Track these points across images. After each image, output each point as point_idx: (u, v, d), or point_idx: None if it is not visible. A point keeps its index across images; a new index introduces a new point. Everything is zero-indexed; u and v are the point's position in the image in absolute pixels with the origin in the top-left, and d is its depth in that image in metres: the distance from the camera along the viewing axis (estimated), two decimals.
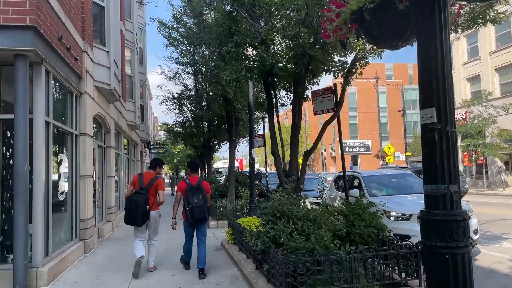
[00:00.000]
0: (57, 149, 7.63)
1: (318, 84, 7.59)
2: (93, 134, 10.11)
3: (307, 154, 7.99)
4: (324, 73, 7.26)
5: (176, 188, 7.64)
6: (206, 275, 6.45)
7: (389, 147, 38.96)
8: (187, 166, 7.63)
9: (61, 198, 7.60)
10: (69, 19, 7.59)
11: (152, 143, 32.48)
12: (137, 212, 6.45)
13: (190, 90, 24.76)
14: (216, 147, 27.50)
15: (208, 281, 6.26)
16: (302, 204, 6.12)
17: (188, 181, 6.67)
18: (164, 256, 7.99)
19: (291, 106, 7.97)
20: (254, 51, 7.68)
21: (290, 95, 8.43)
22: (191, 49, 23.21)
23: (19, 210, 5.54)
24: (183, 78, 24.99)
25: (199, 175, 7.04)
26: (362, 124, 59.25)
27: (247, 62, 7.87)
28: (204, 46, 14.32)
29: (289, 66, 7.45)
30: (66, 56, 7.28)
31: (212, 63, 13.05)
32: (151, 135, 58.32)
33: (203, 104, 24.28)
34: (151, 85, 47.92)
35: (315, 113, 8.29)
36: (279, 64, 7.47)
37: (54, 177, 7.32)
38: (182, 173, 56.06)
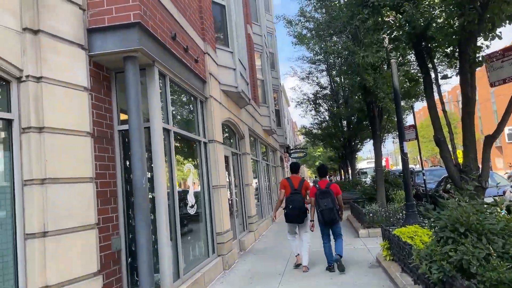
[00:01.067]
0: (183, 158, 7.11)
1: (500, 38, 5.39)
2: (224, 141, 9.59)
3: (490, 140, 5.80)
4: (510, 20, 5.07)
5: None
6: (344, 266, 6.92)
7: None
8: (317, 171, 8.25)
9: (191, 211, 7.02)
10: (185, 18, 7.04)
11: (292, 148, 32.06)
12: (298, 210, 7.17)
13: (325, 88, 23.42)
14: (358, 146, 25.46)
15: None
16: (496, 212, 4.18)
17: (317, 185, 7.23)
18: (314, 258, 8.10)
19: (457, 77, 5.94)
20: (397, 15, 5.96)
21: (455, 63, 6.37)
22: (322, 45, 21.96)
23: (140, 227, 4.95)
24: (316, 78, 23.86)
25: (328, 179, 7.72)
26: None
27: (389, 31, 6.15)
28: (335, 35, 12.84)
29: (451, 21, 5.48)
30: (184, 58, 6.70)
31: (346, 52, 11.54)
32: (291, 141, 58.69)
33: (340, 102, 22.65)
34: (286, 89, 48.03)
35: (491, 85, 6.35)
36: (437, 21, 5.55)
37: (182, 188, 6.77)
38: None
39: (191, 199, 7.01)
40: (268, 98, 17.12)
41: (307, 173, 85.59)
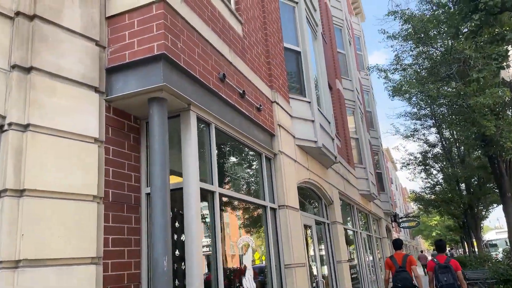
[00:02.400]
0: (237, 229, 5.65)
1: None
2: (304, 206, 7.96)
3: None
4: None
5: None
6: None
7: None
8: (434, 246, 7.96)
9: None
10: (242, 60, 5.98)
11: (401, 216, 28.37)
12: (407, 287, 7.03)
13: (435, 146, 20.49)
14: (483, 213, 21.23)
15: None
16: None
17: (436, 260, 7.06)
18: None
19: None
20: None
21: None
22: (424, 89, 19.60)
23: None
24: (423, 135, 21.10)
25: (448, 254, 8.03)
26: None
27: None
28: (438, 76, 10.81)
29: None
30: (238, 104, 5.52)
31: (453, 93, 9.38)
32: (401, 209, 53.39)
33: (455, 160, 19.46)
34: (390, 149, 44.65)
35: None
36: None
37: (234, 267, 5.23)
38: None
39: (248, 285, 5.38)
40: (365, 158, 15.10)
41: (424, 245, 76.71)
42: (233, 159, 5.95)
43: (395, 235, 43.15)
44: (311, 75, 8.49)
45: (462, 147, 18.38)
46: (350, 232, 12.67)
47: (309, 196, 9.01)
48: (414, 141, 20.86)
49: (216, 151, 5.01)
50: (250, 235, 5.93)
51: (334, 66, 13.84)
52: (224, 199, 5.31)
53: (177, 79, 4.17)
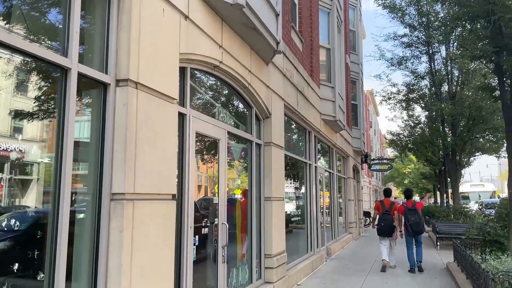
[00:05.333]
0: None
1: None
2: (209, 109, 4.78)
3: None
4: None
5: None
6: (423, 270, 8.84)
7: None
8: (404, 194, 10.55)
9: None
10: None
11: (373, 158, 25.90)
12: (389, 227, 9.30)
13: (423, 77, 17.29)
14: (466, 159, 18.72)
15: None
16: None
17: (405, 205, 9.35)
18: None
19: None
20: None
21: None
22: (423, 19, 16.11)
23: None
24: (412, 63, 17.80)
25: (414, 200, 9.59)
26: None
27: None
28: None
29: None
30: None
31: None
32: (377, 154, 51.57)
33: (443, 96, 16.47)
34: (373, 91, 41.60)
35: None
36: None
37: None
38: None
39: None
40: (335, 75, 11.82)
41: (395, 192, 77.06)
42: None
43: (365, 179, 41.47)
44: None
45: (456, 73, 15.31)
46: (300, 164, 9.76)
47: (228, 97, 5.82)
48: (400, 69, 17.56)
49: None
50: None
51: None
52: None
53: None
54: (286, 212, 8.64)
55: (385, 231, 9.31)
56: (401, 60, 17.50)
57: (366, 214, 24.01)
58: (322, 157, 12.64)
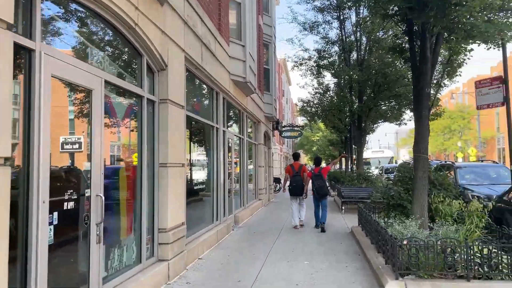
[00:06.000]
0: None
1: None
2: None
3: None
4: None
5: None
6: (325, 230, 9.47)
7: None
8: (313, 161, 11.91)
9: None
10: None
11: (284, 125, 26.02)
12: (300, 187, 9.99)
13: (334, 43, 17.26)
14: (371, 125, 19.45)
15: None
16: None
17: (313, 171, 10.20)
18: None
19: None
20: None
21: None
22: None
23: None
24: (323, 29, 17.63)
25: (321, 167, 10.39)
26: None
27: None
28: None
29: None
30: None
31: None
32: (289, 122, 52.62)
33: (352, 63, 16.64)
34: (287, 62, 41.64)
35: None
36: None
37: None
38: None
39: None
40: (246, 32, 10.98)
41: (304, 160, 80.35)
42: None
43: (276, 146, 42.17)
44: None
45: (365, 40, 15.48)
46: (207, 129, 8.92)
47: (107, 38, 4.66)
48: (313, 34, 17.32)
49: None
50: None
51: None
52: None
53: None
54: (191, 179, 7.81)
55: (297, 190, 9.99)
56: (313, 25, 17.22)
57: (277, 180, 24.25)
58: (232, 122, 11.93)
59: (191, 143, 7.73)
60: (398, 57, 8.28)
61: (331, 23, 17.27)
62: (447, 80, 7.28)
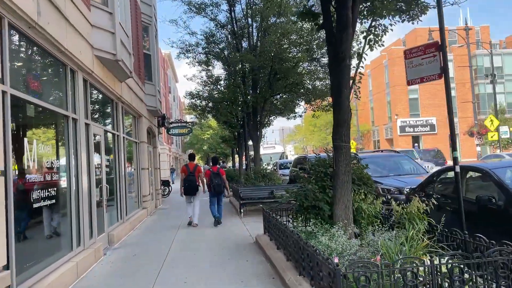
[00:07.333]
0: None
1: None
2: None
3: None
4: None
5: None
6: (221, 222, 10.37)
7: (491, 120, 28.69)
8: (211, 161, 12.11)
9: None
10: None
11: (172, 121, 23.58)
12: (193, 187, 10.44)
13: (223, 27, 15.53)
14: (266, 119, 18.19)
15: None
16: None
17: (211, 169, 10.74)
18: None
19: None
20: None
21: None
22: None
23: None
24: (211, 12, 15.77)
25: (219, 166, 11.95)
26: (424, 99, 48.08)
27: None
28: None
29: None
30: None
31: None
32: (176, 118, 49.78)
33: (244, 47, 15.10)
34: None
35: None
36: None
37: None
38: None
39: None
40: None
41: (196, 159, 77.68)
42: None
43: (165, 146, 39.26)
44: None
45: (256, 25, 14.03)
46: (59, 119, 6.36)
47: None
48: (201, 15, 15.30)
49: None
50: None
51: None
52: None
53: None
54: (28, 192, 5.23)
55: (190, 190, 10.48)
56: (200, 6, 15.23)
57: (165, 183, 21.75)
58: (100, 113, 9.38)
59: (25, 138, 5.17)
60: (309, 21, 6.75)
61: (220, 5, 15.50)
62: (369, 50, 6.10)
